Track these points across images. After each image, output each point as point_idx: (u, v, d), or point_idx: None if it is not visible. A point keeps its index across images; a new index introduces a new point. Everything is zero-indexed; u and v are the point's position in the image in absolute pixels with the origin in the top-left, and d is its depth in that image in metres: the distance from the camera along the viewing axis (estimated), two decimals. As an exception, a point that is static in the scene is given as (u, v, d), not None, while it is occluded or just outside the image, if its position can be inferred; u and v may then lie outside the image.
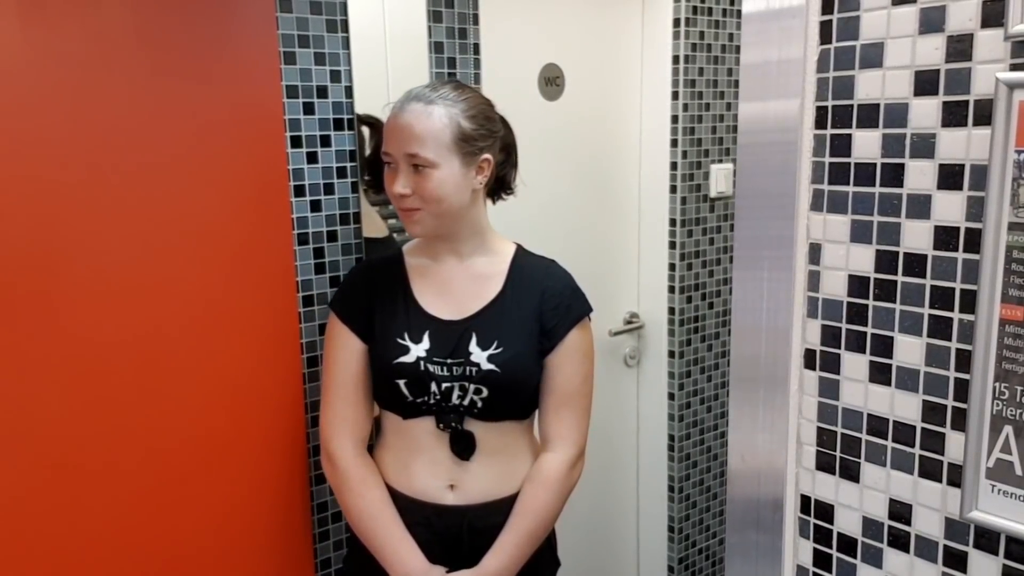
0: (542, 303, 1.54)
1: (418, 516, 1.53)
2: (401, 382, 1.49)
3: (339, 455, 1.53)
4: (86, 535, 1.43)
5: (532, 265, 1.59)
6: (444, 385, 1.49)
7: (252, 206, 1.57)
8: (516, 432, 1.57)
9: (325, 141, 1.67)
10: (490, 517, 1.54)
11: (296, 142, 1.63)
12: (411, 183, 1.44)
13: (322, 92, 1.66)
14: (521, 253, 1.60)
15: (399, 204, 1.47)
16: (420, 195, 1.45)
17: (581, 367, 1.57)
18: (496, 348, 1.50)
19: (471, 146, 1.46)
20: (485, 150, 1.49)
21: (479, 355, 1.49)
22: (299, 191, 1.65)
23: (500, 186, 1.59)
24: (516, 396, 1.54)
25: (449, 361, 1.49)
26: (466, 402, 1.50)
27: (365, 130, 1.76)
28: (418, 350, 1.49)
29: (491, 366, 1.49)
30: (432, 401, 1.50)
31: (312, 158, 1.66)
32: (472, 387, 1.49)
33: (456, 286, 1.55)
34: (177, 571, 1.54)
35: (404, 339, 1.50)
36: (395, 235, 1.84)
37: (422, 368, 1.48)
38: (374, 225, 1.82)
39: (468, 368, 1.49)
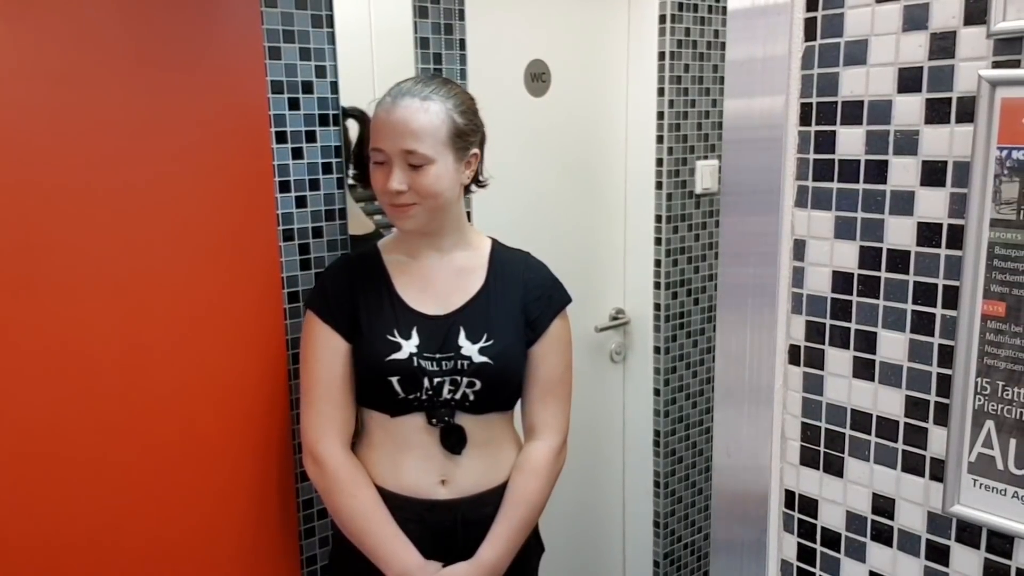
0: (525, 294, 1.57)
1: (410, 513, 1.53)
2: (394, 379, 1.49)
3: (327, 456, 1.52)
4: (72, 530, 1.42)
5: (510, 257, 1.62)
6: (436, 380, 1.49)
7: (237, 202, 1.56)
8: (501, 423, 1.59)
9: (310, 137, 1.67)
10: (481, 508, 1.55)
11: (281, 138, 1.62)
12: (407, 179, 1.45)
13: (307, 88, 1.65)
14: (497, 246, 1.63)
15: (393, 200, 1.47)
16: (417, 191, 1.45)
17: (564, 356, 1.61)
18: (487, 341, 1.51)
19: (463, 141, 1.49)
20: (473, 145, 1.52)
21: (470, 348, 1.50)
22: (284, 187, 1.64)
23: (473, 179, 1.60)
24: (506, 387, 1.56)
25: (438, 356, 1.49)
26: (457, 396, 1.51)
27: (351, 123, 1.75)
28: (409, 346, 1.49)
29: (484, 358, 1.50)
30: (424, 397, 1.50)
31: (297, 154, 1.65)
32: (465, 380, 1.50)
33: (439, 281, 1.56)
34: (163, 567, 1.53)
35: (394, 336, 1.50)
36: (382, 231, 1.83)
37: (415, 364, 1.48)
38: (359, 222, 1.81)
39: (459, 362, 1.50)
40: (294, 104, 1.63)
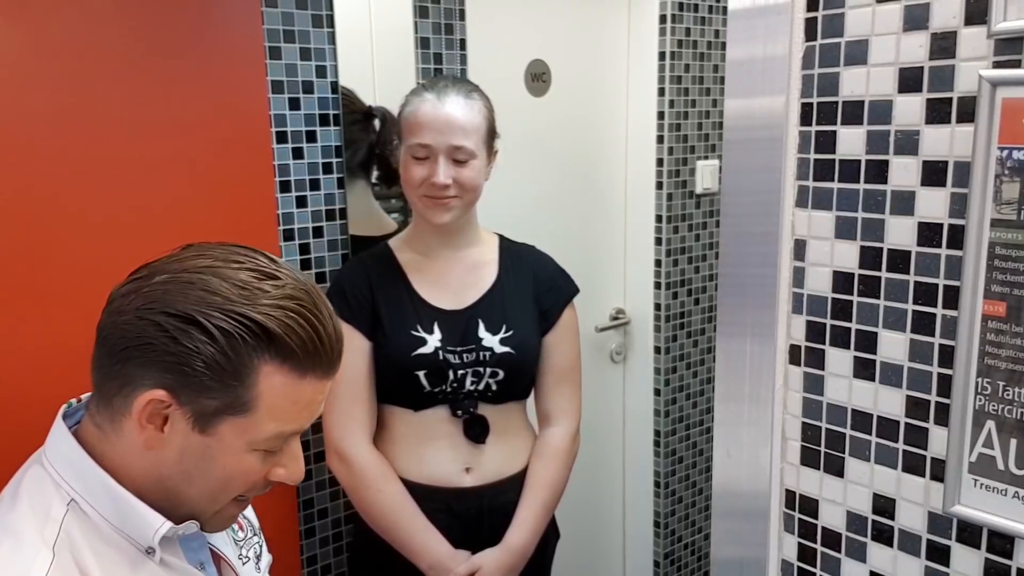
0: (536, 286, 1.62)
1: (438, 503, 1.56)
2: (421, 373, 1.52)
3: (354, 453, 1.54)
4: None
5: (519, 251, 1.67)
6: (459, 372, 1.53)
7: (237, 201, 1.56)
8: (518, 412, 1.65)
9: (311, 137, 1.67)
10: (504, 494, 1.60)
11: (281, 137, 1.63)
12: (451, 172, 1.50)
13: (308, 87, 1.65)
14: (505, 241, 1.68)
15: (436, 193, 1.50)
16: (461, 184, 1.51)
17: (574, 344, 1.67)
18: (506, 332, 1.56)
19: (492, 138, 1.56)
20: (495, 143, 1.58)
21: (490, 340, 1.55)
22: (284, 187, 1.64)
23: None
24: (526, 376, 1.62)
25: (460, 349, 1.54)
26: (480, 386, 1.55)
27: (375, 123, 1.78)
28: (434, 340, 1.54)
29: (506, 348, 1.55)
30: (448, 389, 1.54)
31: (298, 154, 1.65)
32: (488, 371, 1.54)
33: (453, 277, 1.60)
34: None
35: (418, 331, 1.53)
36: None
37: (440, 357, 1.53)
38: (381, 222, 1.82)
39: (481, 353, 1.54)
40: (294, 104, 1.64)
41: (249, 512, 1.14)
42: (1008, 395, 0.82)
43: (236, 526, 1.08)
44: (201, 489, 0.89)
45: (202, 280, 0.85)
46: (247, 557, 1.07)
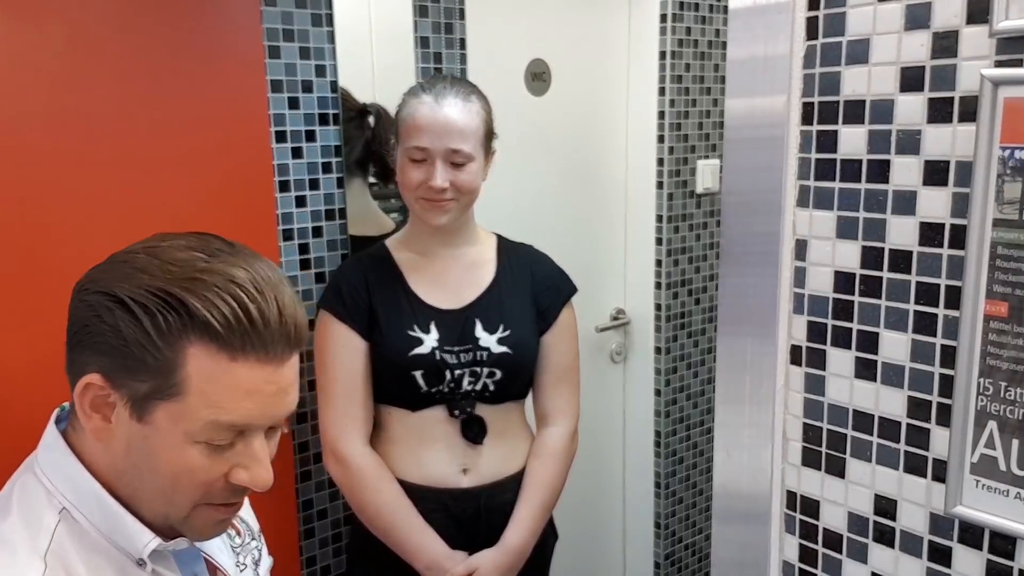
0: (534, 285, 1.62)
1: (435, 503, 1.56)
2: (418, 373, 1.52)
3: (350, 453, 1.54)
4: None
5: (517, 251, 1.67)
6: (456, 372, 1.53)
7: (236, 201, 1.56)
8: (516, 412, 1.65)
9: (310, 136, 1.66)
10: (502, 495, 1.60)
11: (281, 137, 1.62)
12: (448, 176, 1.49)
13: (307, 87, 1.65)
14: (503, 241, 1.67)
15: (434, 196, 1.50)
16: (458, 188, 1.50)
17: (572, 343, 1.67)
18: (504, 331, 1.56)
19: (489, 139, 1.56)
20: (493, 143, 1.57)
21: (488, 339, 1.55)
22: (284, 186, 1.64)
23: None
24: (523, 375, 1.61)
25: (457, 348, 1.54)
26: (478, 387, 1.55)
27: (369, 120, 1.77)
28: (431, 340, 1.53)
29: (503, 348, 1.55)
30: (446, 389, 1.54)
31: (297, 153, 1.65)
32: (485, 371, 1.54)
33: (451, 276, 1.59)
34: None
35: (415, 331, 1.53)
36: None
37: (437, 357, 1.52)
38: (379, 222, 1.82)
39: (478, 353, 1.54)
40: (294, 103, 1.63)
41: (248, 515, 1.12)
42: (1010, 395, 0.82)
43: (233, 531, 1.06)
44: (152, 487, 0.84)
45: (134, 258, 0.82)
46: (244, 564, 1.05)
